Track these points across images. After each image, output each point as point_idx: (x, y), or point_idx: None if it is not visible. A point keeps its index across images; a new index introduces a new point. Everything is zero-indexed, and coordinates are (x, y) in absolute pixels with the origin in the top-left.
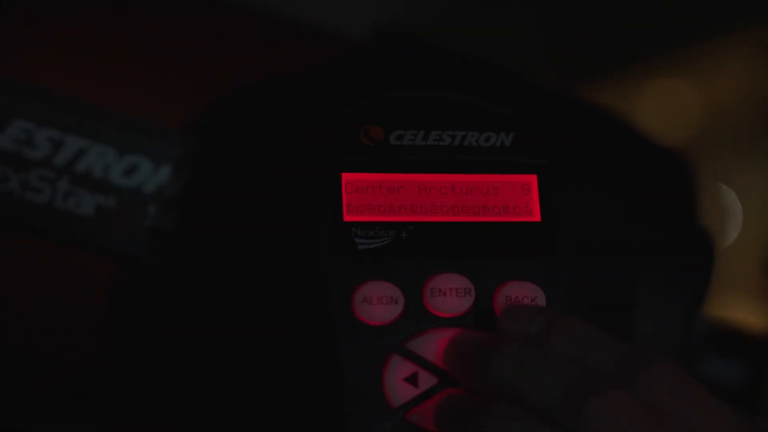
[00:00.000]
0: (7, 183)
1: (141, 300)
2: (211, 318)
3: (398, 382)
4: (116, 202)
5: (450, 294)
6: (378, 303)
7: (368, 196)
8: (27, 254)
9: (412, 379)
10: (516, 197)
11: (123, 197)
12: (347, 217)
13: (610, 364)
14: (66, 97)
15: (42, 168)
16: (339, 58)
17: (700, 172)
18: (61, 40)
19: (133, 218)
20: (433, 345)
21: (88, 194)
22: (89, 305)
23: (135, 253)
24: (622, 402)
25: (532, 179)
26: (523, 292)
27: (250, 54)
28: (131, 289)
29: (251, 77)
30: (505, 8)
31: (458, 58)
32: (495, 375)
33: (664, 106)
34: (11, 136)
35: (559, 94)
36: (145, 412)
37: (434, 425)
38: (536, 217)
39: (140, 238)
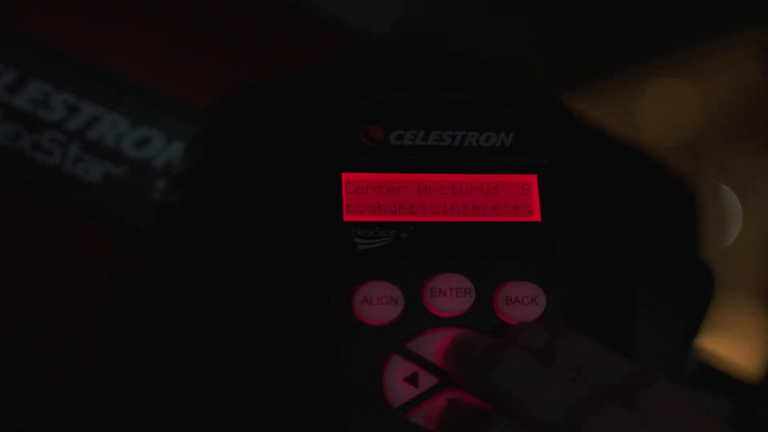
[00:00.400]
0: (18, 141)
1: (142, 276)
2: (209, 317)
3: (398, 382)
4: (125, 173)
5: (450, 294)
6: (378, 303)
7: (368, 196)
8: (30, 216)
9: (412, 379)
10: (516, 197)
11: (132, 168)
12: (347, 217)
13: (613, 380)
14: (86, 63)
15: (55, 131)
16: (339, 58)
17: (700, 182)
18: (89, 5)
19: (140, 190)
20: (433, 345)
21: (97, 161)
22: (88, 274)
23: (139, 225)
24: (622, 421)
25: (532, 179)
26: (523, 292)
27: (273, 43)
28: (133, 262)
29: (274, 66)
30: (505, 8)
31: (458, 58)
32: (495, 383)
33: (664, 106)
34: (28, 96)
35: (560, 100)
36: (141, 402)
37: (437, 430)
38: (536, 217)
39: (146, 210)
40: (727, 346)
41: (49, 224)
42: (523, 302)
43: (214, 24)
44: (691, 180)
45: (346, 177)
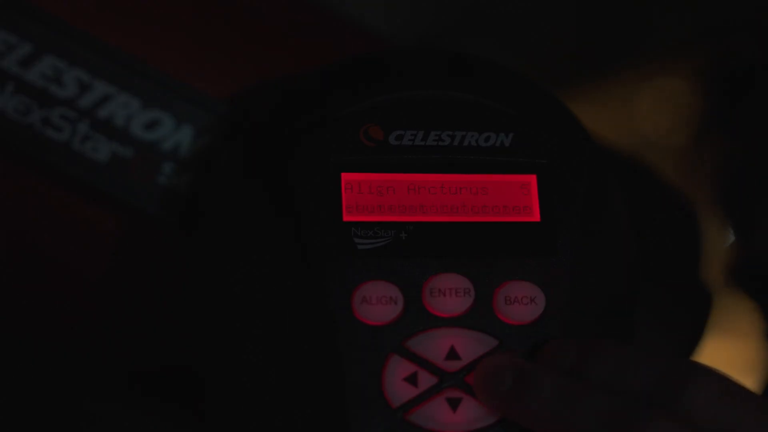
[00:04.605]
0: (29, 116)
1: (143, 260)
2: (207, 312)
3: (398, 382)
4: (132, 153)
5: (449, 294)
6: (377, 303)
7: (368, 196)
8: (35, 192)
9: (412, 379)
10: (516, 197)
11: (140, 149)
12: (347, 217)
13: (649, 383)
14: (101, 42)
15: (65, 107)
16: (340, 58)
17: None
18: None
19: (146, 172)
20: (432, 345)
21: (105, 141)
22: (89, 253)
23: (143, 207)
24: (665, 428)
25: (532, 179)
26: (523, 292)
27: (287, 36)
28: (134, 244)
29: (287, 59)
30: (505, 7)
31: (458, 57)
32: (533, 411)
33: (664, 106)
34: (41, 71)
35: (560, 100)
36: (141, 392)
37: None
38: (536, 217)
39: (151, 192)
40: (727, 346)
41: (54, 202)
42: (522, 302)
43: (229, 14)
44: (691, 199)
45: (345, 177)
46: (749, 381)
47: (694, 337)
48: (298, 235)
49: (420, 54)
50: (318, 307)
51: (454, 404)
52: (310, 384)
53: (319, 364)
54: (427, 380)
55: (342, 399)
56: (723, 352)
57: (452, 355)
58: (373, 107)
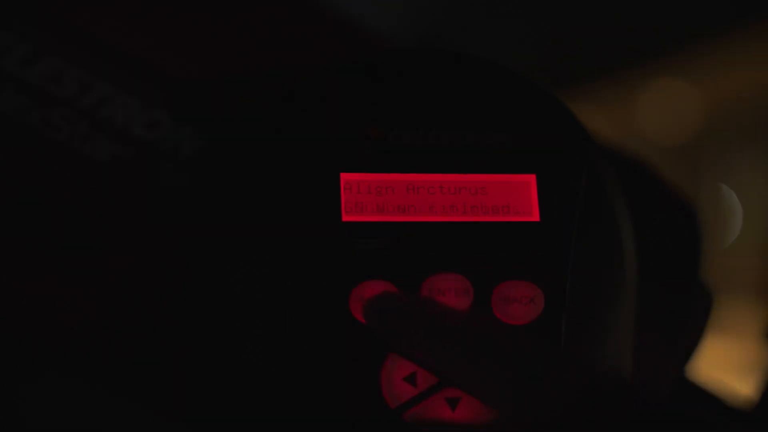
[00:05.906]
0: (28, 115)
1: (143, 258)
2: (208, 312)
3: (397, 382)
4: (132, 153)
5: (448, 294)
6: None
7: (367, 196)
8: (35, 192)
9: (411, 379)
10: (515, 197)
11: (140, 149)
12: (346, 217)
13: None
14: (101, 42)
15: (65, 107)
16: (340, 58)
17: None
18: None
19: (146, 172)
20: None
21: (105, 141)
22: (88, 253)
23: (142, 207)
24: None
25: (532, 179)
26: (522, 291)
27: (287, 36)
28: (134, 244)
29: (286, 58)
30: (506, 8)
31: (458, 58)
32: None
33: (664, 106)
34: (41, 71)
35: (560, 100)
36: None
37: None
38: (536, 217)
39: (151, 192)
40: (727, 346)
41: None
42: (521, 302)
43: (229, 15)
44: (691, 199)
45: (345, 177)
46: (749, 381)
47: (695, 337)
48: (298, 235)
49: (420, 54)
50: (317, 307)
51: (453, 404)
52: (309, 384)
53: (318, 364)
54: (426, 380)
55: (341, 399)
56: (723, 352)
57: None
58: (373, 107)
